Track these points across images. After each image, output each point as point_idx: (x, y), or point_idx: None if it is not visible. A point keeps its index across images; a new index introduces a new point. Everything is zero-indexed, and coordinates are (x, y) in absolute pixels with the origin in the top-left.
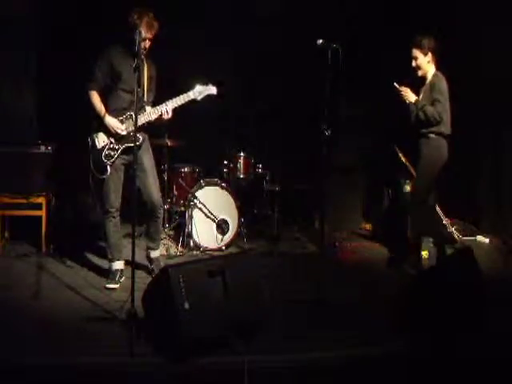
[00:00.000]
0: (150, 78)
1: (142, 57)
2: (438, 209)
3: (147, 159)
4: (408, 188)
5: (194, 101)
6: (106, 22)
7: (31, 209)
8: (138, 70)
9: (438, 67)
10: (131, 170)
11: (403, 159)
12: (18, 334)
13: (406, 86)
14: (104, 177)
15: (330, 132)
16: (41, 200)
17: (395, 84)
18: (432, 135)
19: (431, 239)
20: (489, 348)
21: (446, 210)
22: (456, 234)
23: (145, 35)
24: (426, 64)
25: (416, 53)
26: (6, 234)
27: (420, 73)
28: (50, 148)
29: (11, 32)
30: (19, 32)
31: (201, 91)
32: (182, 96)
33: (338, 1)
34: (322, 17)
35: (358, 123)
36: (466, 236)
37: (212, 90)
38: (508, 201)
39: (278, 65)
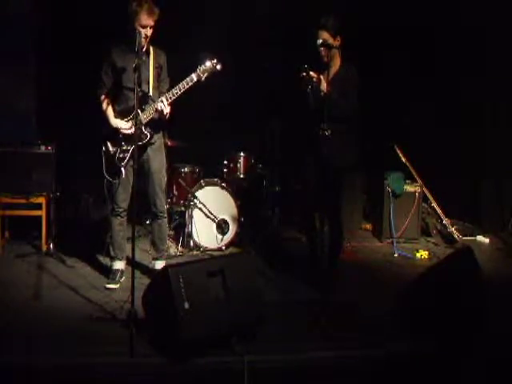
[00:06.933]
0: (157, 67)
1: (145, 49)
2: (438, 209)
3: (156, 160)
4: (408, 188)
5: (198, 82)
6: (106, 21)
7: (31, 209)
8: (138, 70)
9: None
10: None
11: (403, 159)
12: (18, 334)
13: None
14: (117, 181)
15: (329, 132)
16: (41, 200)
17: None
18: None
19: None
20: (489, 348)
21: (445, 210)
22: (456, 234)
23: (146, 22)
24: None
25: (324, 35)
26: (6, 234)
27: (326, 59)
28: (50, 148)
29: (11, 32)
30: (19, 32)
31: (205, 70)
32: (185, 80)
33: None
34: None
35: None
36: (466, 236)
37: (218, 66)
38: (508, 201)
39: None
